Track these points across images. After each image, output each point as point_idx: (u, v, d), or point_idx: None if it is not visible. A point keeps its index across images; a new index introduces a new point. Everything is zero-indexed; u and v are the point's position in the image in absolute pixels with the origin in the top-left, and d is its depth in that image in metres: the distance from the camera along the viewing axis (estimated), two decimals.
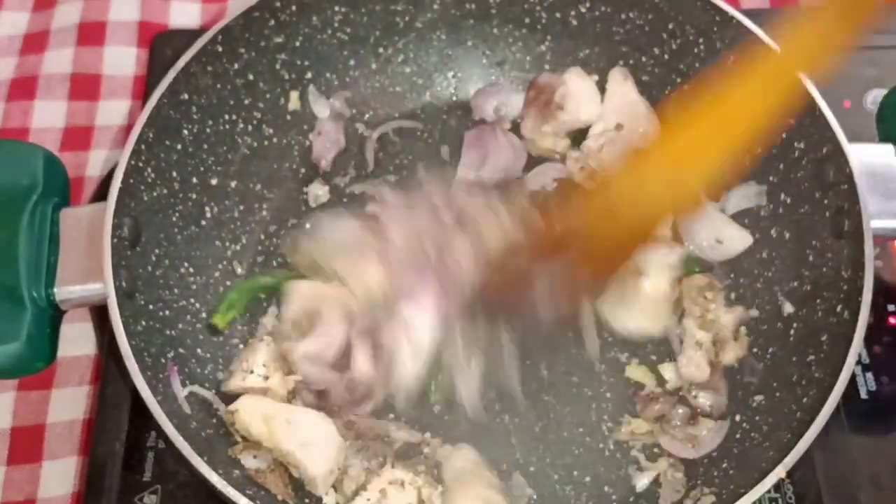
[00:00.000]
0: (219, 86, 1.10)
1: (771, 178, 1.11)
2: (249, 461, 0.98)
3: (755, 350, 1.08)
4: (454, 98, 1.27)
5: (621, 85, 1.20)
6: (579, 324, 1.07)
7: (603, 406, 1.07)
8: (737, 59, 0.87)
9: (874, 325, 1.11)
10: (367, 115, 1.24)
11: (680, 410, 1.05)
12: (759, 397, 1.04)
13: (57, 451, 1.10)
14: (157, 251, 1.03)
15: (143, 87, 1.31)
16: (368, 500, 0.96)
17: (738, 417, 1.04)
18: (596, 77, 1.22)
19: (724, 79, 0.84)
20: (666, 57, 1.17)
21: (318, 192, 1.20)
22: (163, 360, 0.98)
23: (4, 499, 1.07)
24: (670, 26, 1.15)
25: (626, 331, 1.09)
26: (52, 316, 0.94)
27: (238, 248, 1.14)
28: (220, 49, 1.08)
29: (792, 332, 1.05)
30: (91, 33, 1.39)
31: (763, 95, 0.84)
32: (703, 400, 1.05)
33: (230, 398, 1.02)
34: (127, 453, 1.04)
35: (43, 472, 1.09)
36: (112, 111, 1.34)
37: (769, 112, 0.85)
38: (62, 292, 0.93)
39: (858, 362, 1.10)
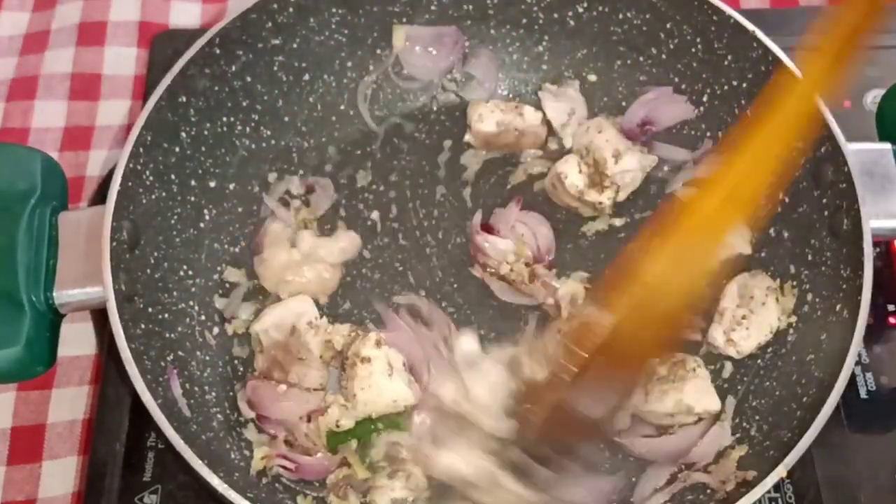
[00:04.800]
0: (216, 88, 1.10)
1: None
2: None
3: (755, 349, 1.08)
4: (452, 99, 1.26)
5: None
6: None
7: None
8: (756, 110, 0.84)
9: (874, 325, 1.11)
10: (364, 117, 1.24)
11: None
12: (759, 397, 1.04)
13: (57, 451, 1.11)
14: (155, 254, 1.03)
15: (144, 87, 1.31)
16: None
17: (738, 418, 1.04)
18: (594, 77, 1.23)
19: (750, 127, 0.81)
20: (664, 57, 1.17)
21: None
22: (162, 364, 0.98)
23: (4, 499, 1.07)
24: (668, 26, 1.14)
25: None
26: (52, 320, 0.94)
27: (237, 250, 1.14)
28: (217, 51, 1.08)
29: (791, 331, 1.05)
30: (91, 33, 1.39)
31: (787, 131, 0.82)
32: None
33: None
34: (127, 453, 1.04)
35: (43, 472, 1.09)
36: (112, 111, 1.34)
37: (791, 146, 0.83)
38: (61, 296, 0.93)
39: (858, 362, 1.10)
